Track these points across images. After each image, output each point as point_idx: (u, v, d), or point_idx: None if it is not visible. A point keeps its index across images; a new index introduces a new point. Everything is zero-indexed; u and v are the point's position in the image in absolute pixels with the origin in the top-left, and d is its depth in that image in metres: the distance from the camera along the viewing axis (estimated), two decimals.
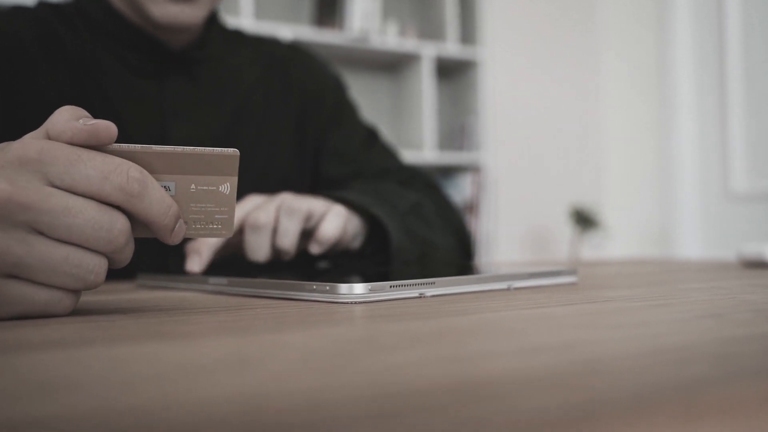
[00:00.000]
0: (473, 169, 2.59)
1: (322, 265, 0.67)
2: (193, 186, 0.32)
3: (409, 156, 2.42)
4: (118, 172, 0.28)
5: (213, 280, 0.41)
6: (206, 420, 0.12)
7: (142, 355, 0.19)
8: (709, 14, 2.74)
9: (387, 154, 0.80)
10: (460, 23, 2.66)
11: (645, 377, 0.15)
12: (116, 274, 0.58)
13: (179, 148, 0.31)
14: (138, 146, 0.30)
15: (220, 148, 0.32)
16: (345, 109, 0.82)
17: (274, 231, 0.52)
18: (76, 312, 0.31)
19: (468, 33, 2.64)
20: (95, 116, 0.65)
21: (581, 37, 3.07)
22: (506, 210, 2.82)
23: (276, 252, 0.53)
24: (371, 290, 0.33)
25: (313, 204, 0.53)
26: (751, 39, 2.58)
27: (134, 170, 0.29)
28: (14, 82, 0.62)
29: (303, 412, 0.12)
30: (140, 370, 0.17)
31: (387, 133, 2.63)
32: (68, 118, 0.28)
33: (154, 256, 0.63)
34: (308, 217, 0.52)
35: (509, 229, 2.82)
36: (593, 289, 0.38)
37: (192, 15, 0.64)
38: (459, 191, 2.59)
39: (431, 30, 2.67)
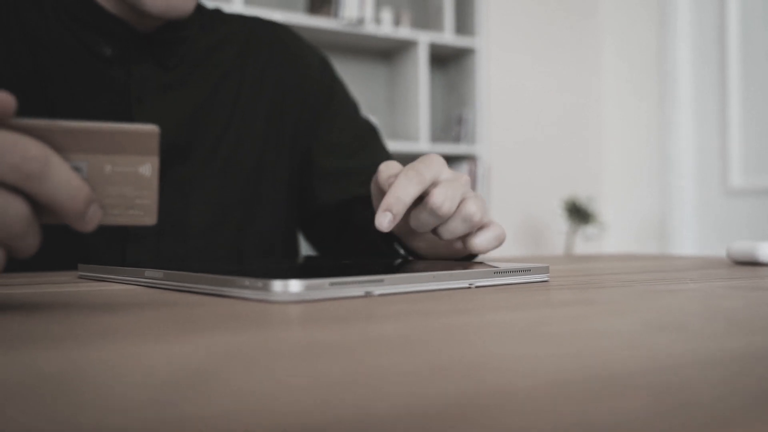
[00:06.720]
0: (468, 159, 2.55)
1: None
2: (108, 167, 0.28)
3: (404, 146, 2.38)
4: (15, 150, 0.25)
5: (149, 273, 0.37)
6: None
7: None
8: (709, 8, 2.70)
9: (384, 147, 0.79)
10: (456, 12, 2.62)
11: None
12: (63, 265, 0.55)
13: (90, 124, 0.28)
14: (42, 121, 0.27)
15: (138, 124, 0.29)
16: (336, 92, 0.78)
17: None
18: None
19: (464, 23, 2.60)
20: (55, 99, 0.63)
21: (580, 27, 3.03)
22: (501, 202, 2.79)
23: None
24: (307, 288, 0.30)
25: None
26: (751, 35, 2.54)
27: (34, 148, 0.25)
28: None
29: None
30: None
31: (381, 122, 2.59)
32: None
33: (105, 246, 0.60)
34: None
35: (503, 221, 2.79)
36: (560, 290, 0.35)
37: (185, 4, 0.60)
38: None
39: (426, 19, 2.63)
